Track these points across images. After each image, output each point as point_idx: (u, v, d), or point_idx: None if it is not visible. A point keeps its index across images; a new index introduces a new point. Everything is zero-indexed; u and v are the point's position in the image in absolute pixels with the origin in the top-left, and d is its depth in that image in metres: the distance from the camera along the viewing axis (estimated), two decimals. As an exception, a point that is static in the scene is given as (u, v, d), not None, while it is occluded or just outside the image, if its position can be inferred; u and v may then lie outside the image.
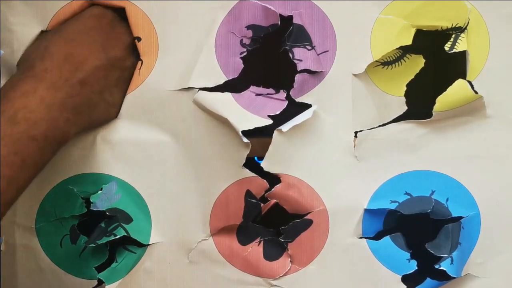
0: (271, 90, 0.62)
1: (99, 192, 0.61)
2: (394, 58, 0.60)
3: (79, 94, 0.55)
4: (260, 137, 0.59)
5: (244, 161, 0.60)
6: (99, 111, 0.58)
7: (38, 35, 0.59)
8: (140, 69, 0.60)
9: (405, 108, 0.61)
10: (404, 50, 0.60)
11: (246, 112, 0.60)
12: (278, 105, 0.61)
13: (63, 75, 0.54)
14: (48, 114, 0.53)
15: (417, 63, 0.60)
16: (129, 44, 0.60)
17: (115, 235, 0.61)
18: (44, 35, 0.59)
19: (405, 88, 0.61)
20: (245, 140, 0.58)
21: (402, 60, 0.60)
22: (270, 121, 0.59)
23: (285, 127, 0.59)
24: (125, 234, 0.61)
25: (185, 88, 0.60)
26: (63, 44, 0.56)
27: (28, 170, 0.52)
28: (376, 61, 0.59)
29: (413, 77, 0.61)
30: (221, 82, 0.60)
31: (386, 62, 0.60)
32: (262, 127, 0.58)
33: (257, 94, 0.61)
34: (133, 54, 0.60)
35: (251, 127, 0.58)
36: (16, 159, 0.50)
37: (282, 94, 0.61)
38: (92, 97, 0.57)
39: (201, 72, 0.59)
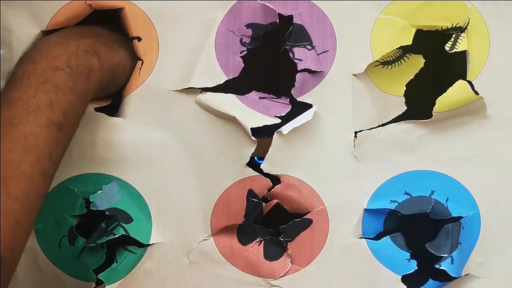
0: (273, 95, 0.62)
1: (99, 192, 0.61)
2: (394, 58, 0.60)
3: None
4: (260, 137, 0.59)
5: (248, 160, 0.60)
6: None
7: (38, 35, 0.59)
8: (140, 69, 0.60)
9: (404, 108, 0.61)
10: (404, 50, 0.60)
11: (253, 111, 0.60)
12: (282, 108, 0.61)
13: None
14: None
15: (417, 63, 0.60)
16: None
17: (115, 235, 0.61)
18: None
19: (404, 88, 0.61)
20: (253, 138, 0.58)
21: (402, 60, 0.60)
22: (278, 120, 0.59)
23: (285, 129, 0.59)
24: (124, 234, 0.61)
25: (186, 89, 0.60)
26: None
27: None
28: (376, 61, 0.59)
29: (412, 77, 0.61)
30: (222, 81, 0.60)
31: (386, 62, 0.60)
32: (262, 127, 0.59)
33: (261, 98, 0.61)
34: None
35: (260, 125, 0.58)
36: None
37: (285, 99, 0.61)
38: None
39: (202, 72, 0.59)
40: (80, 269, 0.63)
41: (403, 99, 0.61)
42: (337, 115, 0.61)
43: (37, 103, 0.50)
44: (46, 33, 0.59)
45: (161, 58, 0.60)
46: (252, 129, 0.58)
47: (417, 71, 0.61)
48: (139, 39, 0.59)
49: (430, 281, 0.62)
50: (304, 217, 0.62)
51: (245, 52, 0.60)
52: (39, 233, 0.62)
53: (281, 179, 0.61)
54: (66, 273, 0.63)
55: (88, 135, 0.61)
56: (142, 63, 0.60)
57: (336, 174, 0.61)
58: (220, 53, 0.60)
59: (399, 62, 0.60)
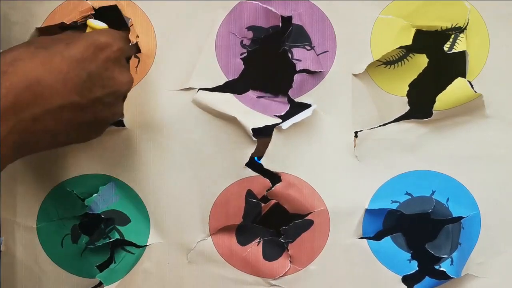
0: (270, 94, 0.62)
1: (94, 195, 0.61)
2: (396, 57, 0.60)
3: (26, 131, 0.47)
4: (259, 136, 0.59)
5: (248, 160, 0.60)
6: (43, 146, 0.50)
7: (33, 33, 0.59)
8: (137, 67, 0.59)
9: (407, 108, 0.61)
10: (407, 50, 0.60)
11: (253, 111, 0.60)
12: (281, 107, 0.61)
13: (17, 104, 0.45)
14: None
15: (420, 62, 0.60)
16: (121, 93, 0.53)
17: (110, 238, 0.61)
18: (29, 43, 0.51)
19: (407, 88, 0.61)
20: (253, 138, 0.58)
21: (405, 60, 0.60)
22: (279, 120, 0.59)
23: (284, 125, 0.59)
24: (119, 238, 0.61)
25: (184, 89, 0.60)
26: (34, 65, 0.47)
27: None
28: (378, 60, 0.59)
29: (416, 76, 0.61)
30: (222, 82, 0.60)
31: (389, 62, 0.60)
32: (263, 127, 0.59)
33: (258, 97, 0.61)
34: (121, 103, 0.55)
35: (261, 125, 0.58)
36: None
37: (283, 98, 0.61)
38: (41, 137, 0.48)
39: (201, 72, 0.59)
40: (83, 267, 0.63)
41: (406, 99, 0.61)
42: (337, 115, 0.61)
43: None
44: (40, 30, 0.59)
45: (158, 58, 0.60)
46: (253, 129, 0.58)
47: (420, 71, 0.60)
48: (136, 36, 0.59)
49: (427, 278, 0.62)
50: (305, 218, 0.62)
51: (245, 54, 0.59)
52: (41, 232, 0.62)
53: (281, 177, 0.61)
54: (68, 272, 0.63)
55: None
56: (139, 61, 0.60)
57: (337, 174, 0.62)
58: (221, 55, 0.59)
59: (402, 62, 0.60)
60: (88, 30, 0.55)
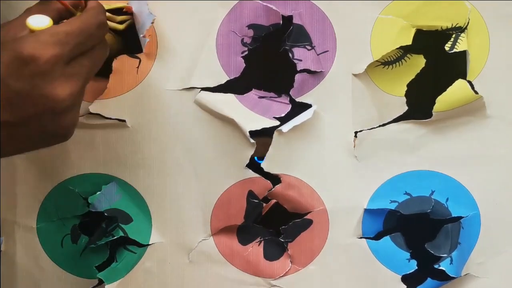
0: (272, 94, 0.62)
1: (98, 193, 0.61)
2: (395, 58, 0.60)
3: None
4: (260, 137, 0.59)
5: (248, 161, 0.60)
6: None
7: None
8: (138, 67, 0.60)
9: (405, 108, 0.61)
10: (405, 50, 0.60)
11: (252, 112, 0.60)
12: (282, 107, 0.61)
13: None
14: None
15: (418, 63, 0.60)
16: (60, 109, 0.45)
17: (114, 236, 0.61)
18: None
19: (405, 88, 0.61)
20: (252, 140, 0.58)
21: (403, 60, 0.60)
22: (277, 122, 0.59)
23: (285, 128, 0.59)
24: (123, 235, 0.61)
25: (186, 88, 0.60)
26: None
27: None
28: (376, 61, 0.59)
29: (413, 77, 0.60)
30: (223, 81, 0.60)
31: (387, 62, 0.60)
32: (260, 129, 0.59)
33: (260, 97, 0.61)
34: (70, 114, 0.47)
35: (259, 128, 0.58)
36: None
37: (285, 98, 0.61)
38: None
39: (203, 71, 0.59)
40: (82, 267, 0.63)
41: (404, 99, 0.61)
42: (337, 115, 0.61)
43: None
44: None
45: (159, 57, 0.60)
46: (250, 131, 0.58)
47: (418, 71, 0.60)
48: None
49: (429, 280, 0.62)
50: (304, 217, 0.62)
51: (246, 53, 0.59)
52: (41, 232, 0.62)
53: (281, 178, 0.61)
54: (67, 272, 0.63)
55: (87, 136, 0.61)
56: (140, 62, 0.60)
57: (336, 174, 0.62)
58: (222, 53, 0.59)
59: (400, 62, 0.60)
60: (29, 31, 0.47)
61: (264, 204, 0.62)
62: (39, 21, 0.45)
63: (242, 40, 0.59)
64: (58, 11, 0.49)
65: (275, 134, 0.59)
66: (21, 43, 0.43)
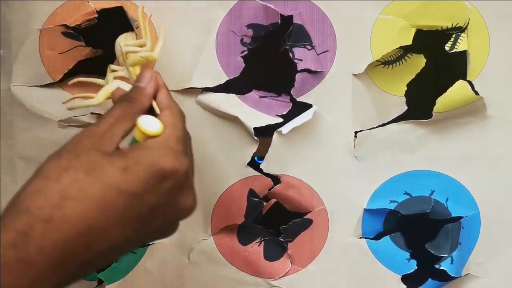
0: (273, 94, 0.62)
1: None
2: (395, 57, 0.60)
3: (69, 277, 0.38)
4: (262, 137, 0.59)
5: (250, 159, 0.60)
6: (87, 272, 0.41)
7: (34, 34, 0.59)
8: (138, 68, 0.60)
9: (405, 108, 0.61)
10: (405, 50, 0.60)
11: (255, 110, 0.60)
12: (283, 106, 0.61)
13: (64, 260, 0.37)
14: None
15: (418, 62, 0.60)
16: (183, 218, 0.45)
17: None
18: (77, 157, 0.40)
19: (405, 88, 0.61)
20: (256, 138, 0.59)
21: (403, 60, 0.60)
22: (280, 120, 0.60)
23: (284, 129, 0.59)
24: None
25: (186, 88, 0.60)
26: (87, 206, 0.38)
27: None
28: (376, 60, 0.59)
29: (413, 76, 0.61)
30: (223, 81, 0.60)
31: (387, 62, 0.60)
32: (264, 126, 0.59)
33: (261, 97, 0.61)
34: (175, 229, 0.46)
35: (263, 124, 0.59)
36: None
37: (285, 97, 0.61)
38: (86, 271, 0.40)
39: (202, 71, 0.59)
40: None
41: (404, 99, 0.61)
42: (337, 115, 0.61)
43: None
44: (42, 31, 0.59)
45: (159, 58, 0.59)
46: (254, 128, 0.58)
47: (418, 71, 0.61)
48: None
49: (430, 280, 0.62)
50: (304, 217, 0.62)
51: (246, 52, 0.60)
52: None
53: (281, 179, 0.61)
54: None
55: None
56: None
57: (336, 174, 0.62)
58: (221, 53, 0.59)
59: (400, 62, 0.60)
60: (137, 132, 0.44)
61: (265, 203, 0.62)
62: (151, 124, 0.44)
63: (242, 39, 0.59)
64: (143, 109, 0.46)
65: (275, 135, 0.60)
66: (160, 158, 0.41)
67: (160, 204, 0.41)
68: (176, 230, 0.46)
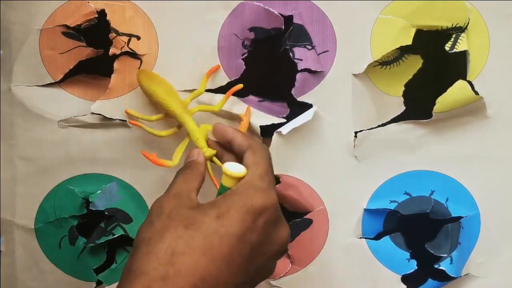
0: (269, 99, 0.62)
1: (98, 192, 0.61)
2: (392, 58, 0.60)
3: None
4: (265, 137, 0.60)
5: None
6: None
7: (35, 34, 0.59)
8: (139, 68, 0.60)
9: (403, 108, 0.61)
10: (402, 50, 0.60)
11: (258, 111, 0.60)
12: (282, 109, 0.61)
13: None
14: None
15: (415, 63, 0.61)
16: (281, 251, 0.47)
17: (114, 235, 0.61)
18: (169, 217, 0.44)
19: (403, 88, 0.61)
20: (261, 137, 0.59)
21: (400, 61, 0.60)
22: (284, 120, 0.60)
23: (284, 130, 0.59)
24: (123, 234, 0.61)
25: (187, 90, 0.60)
26: (196, 258, 0.40)
27: None
28: (375, 61, 0.59)
29: (411, 77, 0.61)
30: (224, 83, 0.60)
31: (385, 62, 0.60)
32: (270, 125, 0.59)
33: (260, 101, 0.61)
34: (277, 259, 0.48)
35: (268, 123, 0.59)
36: None
37: (282, 103, 0.61)
38: None
39: (204, 73, 0.59)
40: (80, 269, 0.63)
41: (402, 99, 0.61)
42: (337, 115, 0.61)
43: None
44: (42, 31, 0.59)
45: (160, 58, 0.60)
46: (260, 127, 0.59)
47: (415, 72, 0.61)
48: (138, 37, 0.59)
49: (430, 280, 0.62)
50: (304, 217, 0.62)
51: (246, 54, 0.60)
52: (40, 233, 0.62)
53: (280, 178, 0.61)
54: (66, 273, 0.63)
55: (88, 135, 0.61)
56: (141, 62, 0.60)
57: (336, 174, 0.62)
58: (223, 56, 0.59)
59: (397, 62, 0.60)
60: (223, 178, 0.48)
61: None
62: (236, 168, 0.48)
63: (243, 42, 0.59)
64: (202, 173, 0.51)
65: (275, 135, 0.60)
66: (248, 197, 0.44)
67: (260, 241, 0.43)
68: (275, 269, 0.48)
